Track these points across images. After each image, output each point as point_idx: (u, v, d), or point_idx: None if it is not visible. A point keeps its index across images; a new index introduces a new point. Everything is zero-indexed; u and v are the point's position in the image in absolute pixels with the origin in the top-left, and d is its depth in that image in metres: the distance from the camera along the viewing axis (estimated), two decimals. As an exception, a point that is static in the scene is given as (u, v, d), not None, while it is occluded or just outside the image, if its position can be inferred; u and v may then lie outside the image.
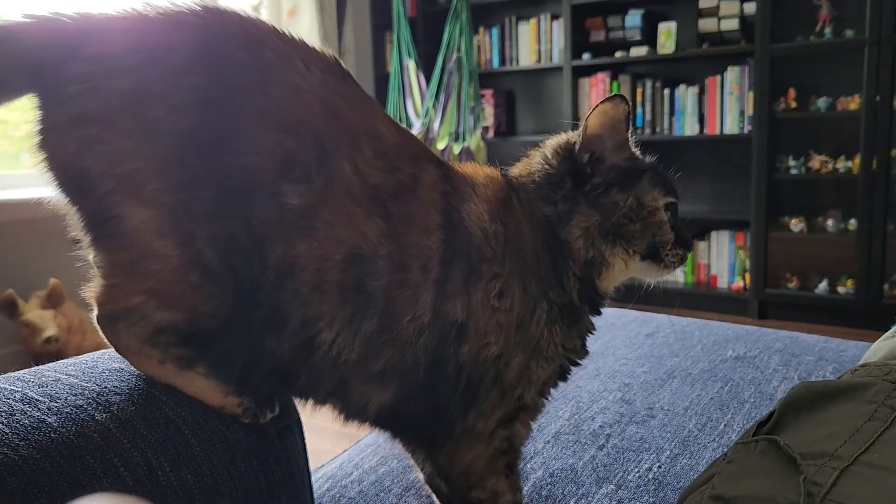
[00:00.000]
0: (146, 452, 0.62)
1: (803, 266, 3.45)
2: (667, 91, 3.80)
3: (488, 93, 4.25)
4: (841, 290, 3.32)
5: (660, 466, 0.90)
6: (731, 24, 3.54)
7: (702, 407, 1.06)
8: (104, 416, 0.62)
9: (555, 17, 4.08)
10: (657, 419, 1.02)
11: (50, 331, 2.38)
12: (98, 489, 0.58)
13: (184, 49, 0.61)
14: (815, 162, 3.36)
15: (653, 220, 0.74)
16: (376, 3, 4.40)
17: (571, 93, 3.97)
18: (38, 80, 0.60)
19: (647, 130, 3.86)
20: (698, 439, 0.96)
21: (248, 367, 0.67)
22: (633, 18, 3.81)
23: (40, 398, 0.62)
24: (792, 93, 3.37)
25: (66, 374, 0.67)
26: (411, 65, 3.82)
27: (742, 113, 3.59)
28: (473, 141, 3.67)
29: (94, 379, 0.67)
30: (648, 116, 3.86)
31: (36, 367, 0.69)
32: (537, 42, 4.16)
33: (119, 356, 0.68)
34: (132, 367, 0.69)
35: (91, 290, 0.64)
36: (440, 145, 3.65)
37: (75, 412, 0.62)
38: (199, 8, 0.63)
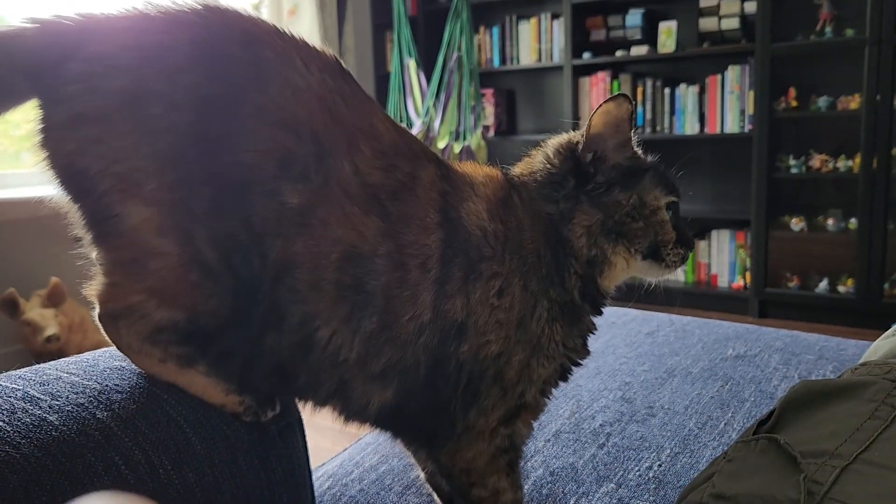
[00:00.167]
0: (147, 451, 0.62)
1: (804, 265, 3.45)
2: (667, 90, 3.80)
3: (489, 92, 4.25)
4: (841, 289, 3.32)
5: (660, 465, 0.90)
6: (732, 24, 3.54)
7: (702, 406, 1.06)
8: (105, 414, 0.63)
9: (555, 16, 4.08)
10: (657, 418, 1.02)
11: (51, 329, 2.38)
12: (99, 487, 0.58)
13: (182, 47, 0.61)
14: (816, 161, 3.36)
15: (655, 219, 0.75)
16: (377, 2, 4.40)
17: (572, 92, 3.97)
18: (39, 80, 0.60)
19: (648, 129, 3.86)
20: (699, 438, 0.96)
21: (248, 365, 0.67)
22: (634, 17, 3.81)
23: (41, 396, 0.62)
24: (792, 92, 3.37)
25: (67, 373, 0.68)
26: (412, 64, 3.82)
27: (742, 112, 3.59)
28: (474, 140, 3.67)
29: (95, 377, 0.67)
30: (649, 115, 3.86)
31: (37, 366, 0.69)
32: (538, 41, 4.16)
33: (120, 354, 0.68)
34: (133, 366, 0.69)
35: (93, 288, 0.64)
36: (441, 144, 3.65)
37: (76, 410, 0.62)
38: (199, 7, 0.63)
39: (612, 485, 0.86)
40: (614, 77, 3.92)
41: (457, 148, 3.65)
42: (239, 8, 0.66)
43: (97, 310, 0.65)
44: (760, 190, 3.40)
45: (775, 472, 0.61)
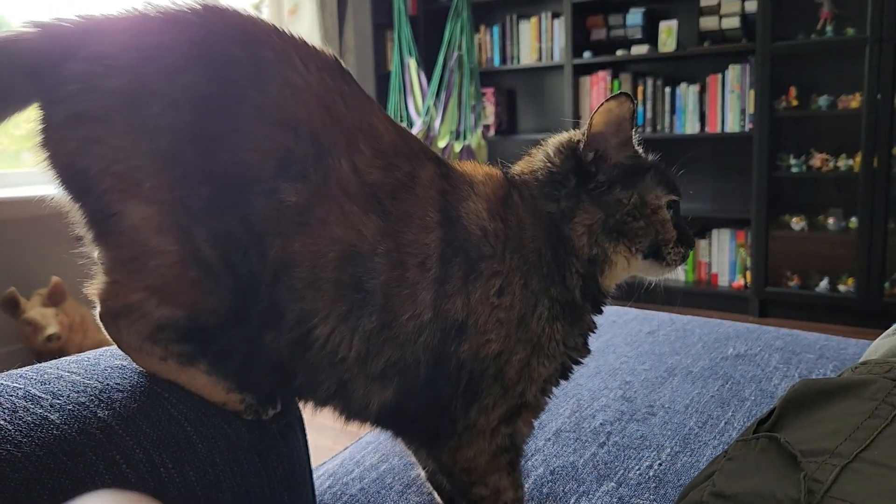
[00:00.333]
0: (148, 449, 0.62)
1: (804, 264, 3.45)
2: (668, 89, 3.80)
3: (489, 91, 4.25)
4: (842, 288, 3.32)
5: (660, 464, 0.90)
6: (733, 23, 3.54)
7: (702, 405, 1.06)
8: (106, 413, 0.63)
9: (556, 15, 4.08)
10: (658, 417, 1.02)
11: (51, 329, 2.38)
12: (100, 486, 0.58)
13: (181, 47, 0.61)
14: (816, 160, 3.36)
15: (655, 217, 0.75)
16: (377, 1, 4.40)
17: (572, 91, 3.97)
18: (40, 81, 0.60)
19: (648, 129, 3.86)
20: (699, 437, 0.96)
21: (248, 363, 0.67)
22: (634, 17, 3.81)
23: (43, 395, 0.63)
24: (793, 91, 3.37)
25: (68, 372, 0.68)
26: (412, 63, 3.82)
27: (743, 111, 3.59)
28: (474, 139, 3.67)
29: (96, 376, 0.67)
30: (649, 115, 3.86)
31: (38, 365, 0.69)
32: (538, 40, 4.16)
33: (121, 353, 0.68)
34: (134, 364, 0.69)
35: (94, 287, 0.64)
36: (441, 144, 3.65)
37: (77, 409, 0.62)
38: (198, 7, 0.63)
39: (613, 483, 0.87)
40: (615, 76, 3.91)
41: (457, 147, 3.65)
42: (238, 7, 0.66)
43: (98, 309, 0.65)
44: (761, 189, 3.40)
45: (775, 471, 0.61)
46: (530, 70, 4.29)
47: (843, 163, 3.29)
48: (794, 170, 3.40)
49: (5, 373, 0.67)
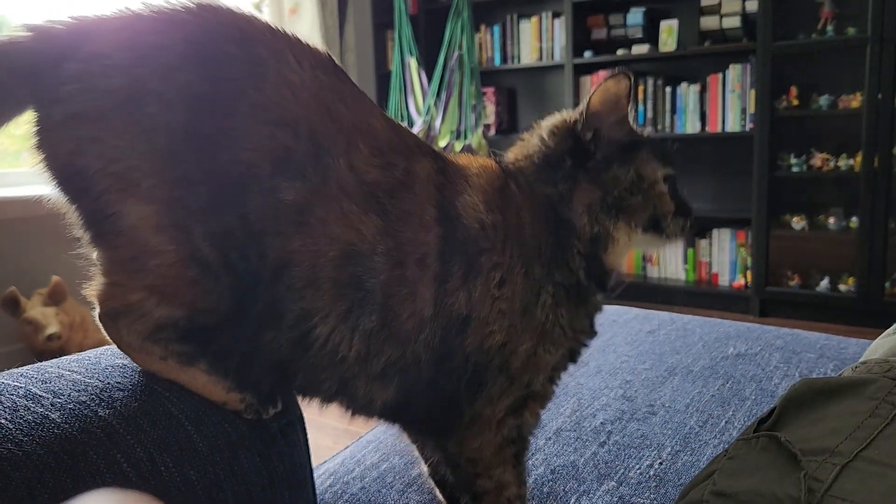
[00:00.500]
0: (149, 448, 0.62)
1: (804, 264, 3.45)
2: (668, 89, 3.80)
3: (490, 91, 4.25)
4: (842, 287, 3.32)
5: (661, 463, 0.90)
6: (733, 22, 3.54)
7: (703, 404, 1.06)
8: (107, 412, 0.63)
9: (556, 14, 4.08)
10: (658, 416, 1.02)
11: (52, 328, 2.39)
12: (101, 485, 0.58)
13: (176, 46, 0.61)
14: (817, 160, 3.36)
15: (653, 192, 0.75)
16: (378, 1, 4.40)
17: (573, 91, 3.97)
18: (37, 82, 0.60)
19: (649, 128, 3.85)
20: (699, 436, 0.96)
21: (247, 362, 0.67)
22: (635, 16, 3.81)
23: (43, 394, 0.63)
24: (794, 90, 3.37)
25: (69, 371, 0.68)
26: (413, 63, 3.82)
27: (744, 111, 3.59)
28: (475, 139, 3.67)
29: (97, 375, 0.67)
30: (650, 114, 3.86)
31: (39, 364, 0.69)
32: (539, 40, 4.16)
33: (122, 352, 0.68)
34: (135, 364, 0.69)
35: (93, 288, 0.64)
36: (442, 143, 3.65)
37: (78, 408, 0.62)
38: (192, 5, 0.63)
39: (613, 483, 0.87)
40: (615, 76, 3.91)
41: (458, 147, 3.65)
42: (232, 6, 0.66)
43: (97, 310, 0.65)
44: (761, 189, 3.40)
45: (776, 470, 0.61)
46: (531, 69, 4.29)
47: (843, 162, 3.29)
48: (795, 169, 3.40)
49: (6, 372, 0.67)
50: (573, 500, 0.84)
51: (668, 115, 3.82)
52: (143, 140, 0.60)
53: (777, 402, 0.72)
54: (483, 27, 4.30)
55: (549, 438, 0.97)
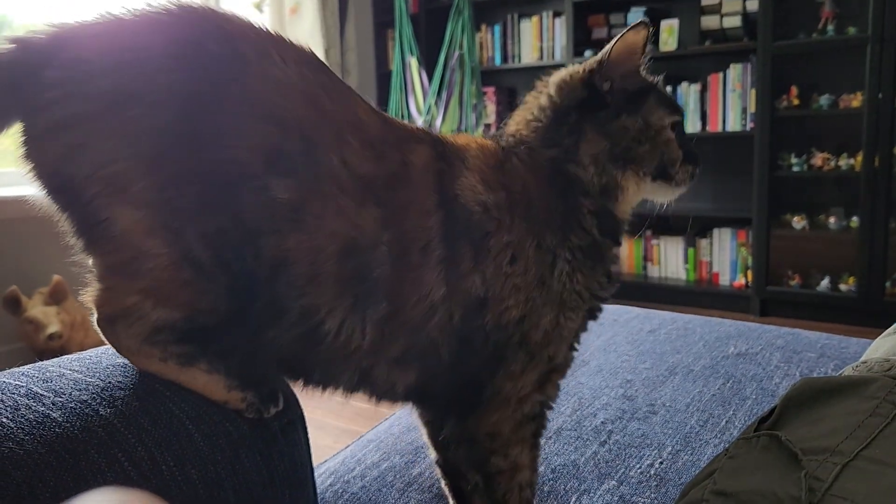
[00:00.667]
0: (150, 447, 0.62)
1: (805, 263, 3.45)
2: (669, 88, 3.78)
3: (490, 90, 4.25)
4: (843, 287, 3.32)
5: (661, 462, 0.90)
6: (734, 22, 3.54)
7: (703, 403, 1.06)
8: (108, 411, 0.63)
9: (557, 14, 4.08)
10: (659, 415, 1.02)
11: (53, 327, 2.39)
12: (102, 483, 0.58)
13: (158, 47, 0.61)
14: (818, 159, 3.36)
15: (660, 139, 0.76)
16: (378, 0, 4.40)
17: (573, 90, 3.96)
18: (19, 92, 0.60)
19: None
20: (700, 435, 0.97)
21: (250, 360, 0.67)
22: (636, 16, 3.81)
23: (45, 393, 0.63)
24: (794, 90, 3.37)
25: (70, 370, 0.68)
26: (413, 62, 3.82)
27: (744, 110, 3.58)
28: (475, 138, 3.67)
29: (98, 374, 0.67)
30: (650, 114, 3.86)
31: (40, 363, 0.69)
32: (539, 39, 4.16)
33: (122, 353, 0.68)
34: (136, 364, 0.69)
35: (89, 294, 0.64)
36: (442, 143, 3.64)
37: (79, 407, 0.62)
38: (173, 7, 0.63)
39: (614, 482, 0.87)
40: (616, 75, 3.91)
41: (458, 146, 3.64)
42: (212, 4, 0.66)
43: (95, 315, 0.65)
44: (762, 188, 3.40)
45: (776, 469, 0.61)
46: (531, 69, 4.29)
47: (844, 162, 3.29)
48: (796, 169, 3.40)
49: (7, 371, 0.67)
50: (574, 500, 0.84)
51: (668, 114, 3.81)
52: (129, 144, 0.59)
53: (778, 401, 0.72)
54: (484, 27, 4.30)
55: (550, 438, 0.97)
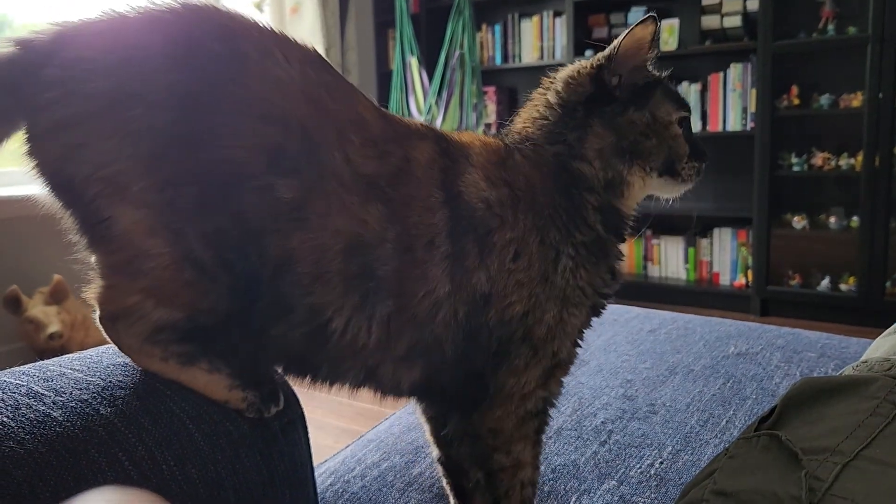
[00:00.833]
0: (150, 447, 0.62)
1: (805, 263, 3.45)
2: (669, 88, 3.80)
3: (491, 90, 4.25)
4: (843, 287, 3.32)
5: (662, 462, 0.90)
6: (734, 21, 3.54)
7: (704, 403, 1.06)
8: (109, 410, 0.63)
9: (557, 14, 4.08)
10: (659, 415, 1.02)
11: (53, 327, 2.39)
12: (103, 483, 0.58)
13: (160, 47, 0.61)
14: (818, 159, 3.36)
15: (667, 134, 0.76)
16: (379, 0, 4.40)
17: (574, 90, 3.96)
18: (20, 92, 0.59)
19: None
20: (700, 435, 0.97)
21: (253, 359, 0.67)
22: (636, 15, 3.80)
23: (45, 392, 0.63)
24: (795, 90, 3.37)
25: (70, 369, 0.68)
26: (414, 62, 3.82)
27: (745, 110, 3.58)
28: (476, 138, 3.67)
29: (98, 373, 0.67)
30: (651, 113, 3.86)
31: (41, 362, 0.70)
32: (540, 39, 4.16)
33: (123, 352, 0.68)
34: (136, 363, 0.69)
35: (92, 291, 0.64)
36: (442, 142, 3.64)
37: (80, 406, 0.62)
38: (176, 5, 0.63)
39: (614, 482, 0.87)
40: (616, 75, 3.91)
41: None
42: (216, 3, 0.66)
43: (97, 313, 0.65)
44: (762, 188, 3.40)
45: (777, 469, 0.61)
46: (532, 69, 4.29)
47: (844, 162, 3.29)
48: (796, 169, 3.40)
49: (8, 370, 0.67)
50: (574, 499, 0.84)
51: (669, 114, 3.81)
52: (130, 143, 0.59)
53: (778, 401, 0.72)
54: (484, 26, 4.30)
55: (550, 437, 0.97)
